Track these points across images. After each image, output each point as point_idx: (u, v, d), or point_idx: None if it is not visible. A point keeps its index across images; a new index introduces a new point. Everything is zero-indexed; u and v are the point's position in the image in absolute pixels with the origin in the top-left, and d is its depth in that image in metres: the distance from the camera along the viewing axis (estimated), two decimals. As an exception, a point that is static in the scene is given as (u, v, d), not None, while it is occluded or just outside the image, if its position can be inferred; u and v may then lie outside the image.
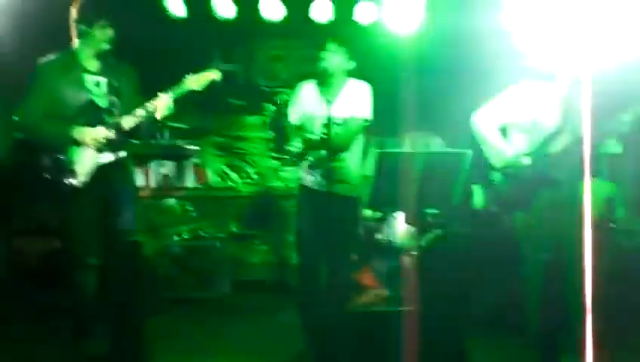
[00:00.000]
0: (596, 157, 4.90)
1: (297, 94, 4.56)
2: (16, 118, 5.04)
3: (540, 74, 4.50)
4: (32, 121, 3.97)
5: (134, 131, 4.02)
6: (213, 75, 4.01)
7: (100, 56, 3.96)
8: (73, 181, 3.91)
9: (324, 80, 4.36)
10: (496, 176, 4.46)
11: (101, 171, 3.96)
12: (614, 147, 4.49)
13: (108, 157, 3.96)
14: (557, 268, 4.10)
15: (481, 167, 5.27)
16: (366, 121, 4.40)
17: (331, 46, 4.33)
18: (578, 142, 4.28)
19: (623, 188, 5.76)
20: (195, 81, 3.98)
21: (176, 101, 3.98)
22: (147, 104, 3.93)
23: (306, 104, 4.47)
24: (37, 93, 3.96)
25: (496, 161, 4.44)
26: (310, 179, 4.47)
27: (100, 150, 3.92)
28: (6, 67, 5.43)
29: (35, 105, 3.95)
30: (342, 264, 4.53)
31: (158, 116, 3.95)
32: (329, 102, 4.14)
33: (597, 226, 4.25)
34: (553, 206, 4.32)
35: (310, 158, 4.43)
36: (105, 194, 3.96)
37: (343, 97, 4.37)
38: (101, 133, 3.90)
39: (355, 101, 4.38)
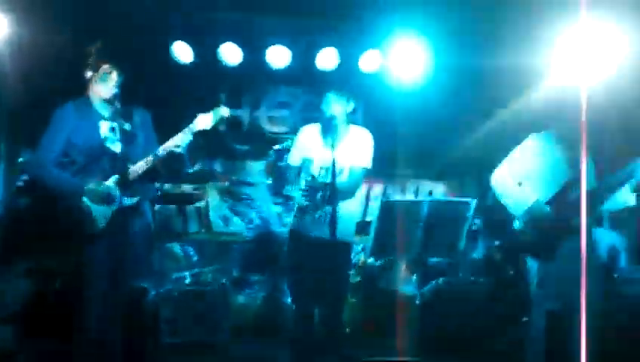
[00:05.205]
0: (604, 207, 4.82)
1: (299, 137, 4.56)
2: (23, 161, 5.06)
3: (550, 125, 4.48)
4: (43, 165, 3.97)
5: (148, 176, 4.01)
6: (223, 112, 3.97)
7: (111, 101, 3.95)
8: (87, 226, 3.91)
9: (328, 126, 4.37)
10: (517, 225, 4.42)
11: (116, 217, 3.94)
12: (626, 196, 4.46)
13: (124, 202, 3.94)
14: (565, 316, 4.06)
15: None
16: (367, 169, 4.42)
17: (336, 94, 4.37)
18: (594, 191, 4.24)
19: (629, 238, 5.75)
20: (205, 120, 3.94)
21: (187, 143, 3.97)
22: (160, 148, 3.93)
23: (308, 147, 4.47)
24: (50, 138, 3.94)
25: (517, 211, 4.40)
26: (303, 222, 4.43)
27: (105, 201, 3.90)
28: (17, 111, 5.50)
29: (48, 150, 3.94)
30: (334, 310, 4.49)
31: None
32: (332, 147, 4.15)
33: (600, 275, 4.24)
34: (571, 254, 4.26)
35: (308, 202, 4.38)
36: (119, 240, 3.92)
37: (345, 144, 4.39)
38: (108, 185, 3.90)
39: (357, 148, 4.40)
